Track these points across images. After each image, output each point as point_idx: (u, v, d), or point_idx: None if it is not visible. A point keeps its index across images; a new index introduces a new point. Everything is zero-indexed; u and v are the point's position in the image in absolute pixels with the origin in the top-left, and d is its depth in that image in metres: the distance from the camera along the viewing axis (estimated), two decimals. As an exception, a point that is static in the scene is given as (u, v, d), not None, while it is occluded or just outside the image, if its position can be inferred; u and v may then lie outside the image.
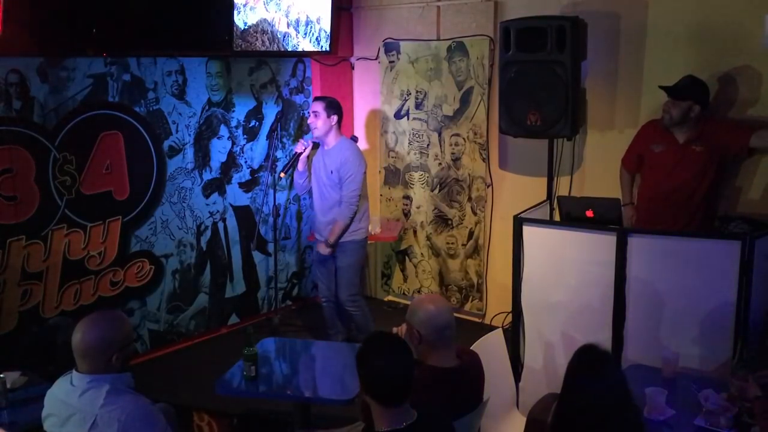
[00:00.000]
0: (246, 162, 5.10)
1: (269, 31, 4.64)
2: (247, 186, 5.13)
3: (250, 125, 5.10)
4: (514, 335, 3.66)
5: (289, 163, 4.48)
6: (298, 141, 4.47)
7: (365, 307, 4.52)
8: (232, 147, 5.00)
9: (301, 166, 4.41)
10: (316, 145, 4.43)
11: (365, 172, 4.33)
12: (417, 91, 5.25)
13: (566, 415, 2.06)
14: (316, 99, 4.42)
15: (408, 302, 5.44)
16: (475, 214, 5.10)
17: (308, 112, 5.46)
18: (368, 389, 2.10)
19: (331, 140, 4.31)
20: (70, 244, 4.22)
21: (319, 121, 4.24)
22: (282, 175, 4.53)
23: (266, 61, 5.13)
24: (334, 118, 4.26)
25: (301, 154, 4.38)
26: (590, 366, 2.06)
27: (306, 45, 4.95)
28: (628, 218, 3.99)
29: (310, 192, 4.57)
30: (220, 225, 5.02)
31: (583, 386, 2.03)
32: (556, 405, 2.12)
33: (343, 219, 4.27)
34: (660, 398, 2.59)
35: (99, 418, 2.18)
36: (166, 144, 4.63)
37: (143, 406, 2.25)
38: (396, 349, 2.15)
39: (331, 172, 4.26)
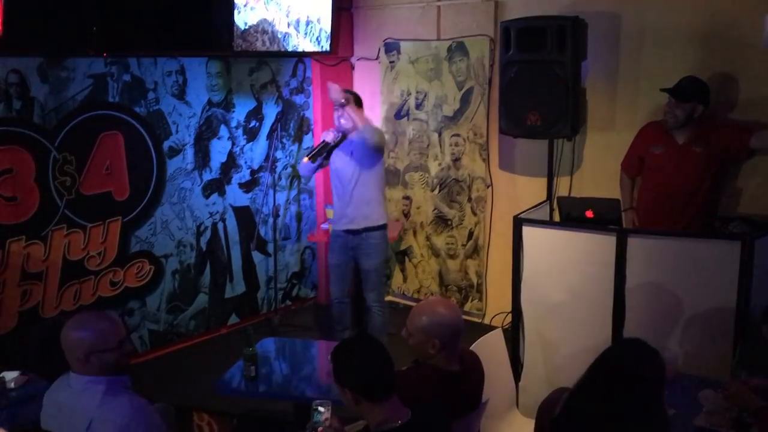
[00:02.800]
0: (246, 162, 5.10)
1: (269, 31, 4.64)
2: (247, 186, 5.13)
3: (250, 125, 5.10)
4: (514, 335, 3.66)
5: (317, 150, 4.17)
6: (329, 130, 4.19)
7: (387, 312, 4.47)
8: (232, 147, 5.00)
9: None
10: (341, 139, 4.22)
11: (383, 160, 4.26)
12: (417, 92, 5.25)
13: (586, 399, 2.06)
14: (345, 90, 4.18)
15: (408, 302, 5.48)
16: (475, 214, 5.10)
17: (307, 113, 5.50)
18: (352, 383, 2.09)
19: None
20: (69, 245, 4.22)
21: (350, 108, 4.05)
22: (305, 159, 4.17)
23: (266, 61, 5.13)
24: (362, 110, 4.17)
25: (328, 144, 4.15)
26: (635, 354, 2.08)
27: (306, 45, 4.95)
28: (630, 222, 3.99)
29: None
30: (220, 225, 5.02)
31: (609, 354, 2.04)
32: (576, 386, 2.11)
33: (369, 134, 4.00)
34: (660, 398, 2.58)
35: (95, 420, 2.16)
36: (166, 144, 4.62)
37: (140, 407, 2.23)
38: (369, 341, 2.19)
39: (351, 153, 4.09)
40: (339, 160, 4.22)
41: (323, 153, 4.20)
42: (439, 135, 5.19)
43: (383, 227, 4.24)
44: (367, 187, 4.15)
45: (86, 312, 2.39)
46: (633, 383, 2.02)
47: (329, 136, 4.17)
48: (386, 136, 4.19)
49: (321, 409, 2.25)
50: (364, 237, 4.19)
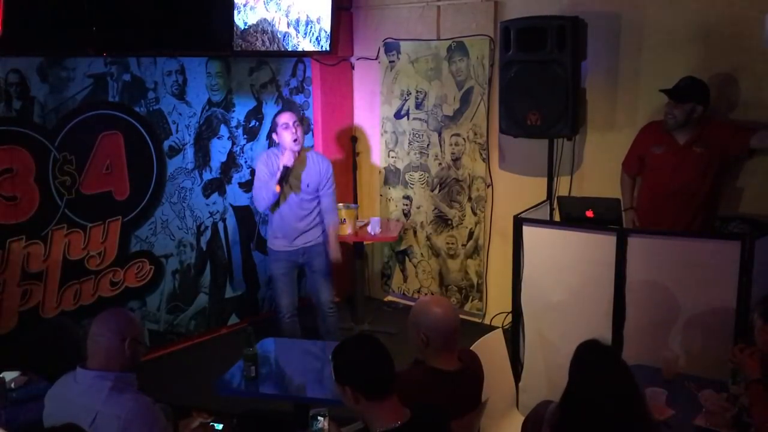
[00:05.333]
0: (246, 162, 5.09)
1: (269, 31, 4.64)
2: (247, 186, 5.13)
3: (250, 125, 5.10)
4: (514, 335, 3.66)
5: (282, 175, 4.09)
6: (286, 154, 4.07)
7: (337, 311, 4.51)
8: (232, 147, 5.00)
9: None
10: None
11: None
12: (417, 91, 5.25)
13: (571, 412, 2.07)
14: (286, 111, 4.31)
15: (408, 302, 5.48)
16: (475, 214, 5.10)
17: (308, 113, 5.50)
18: (353, 382, 2.09)
19: (301, 152, 4.17)
20: (70, 244, 4.22)
21: (300, 132, 4.08)
22: (277, 189, 4.12)
23: (266, 61, 5.13)
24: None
25: (289, 168, 4.09)
26: (594, 362, 2.08)
27: (306, 45, 4.95)
28: (630, 222, 3.99)
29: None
30: (220, 225, 5.02)
31: (588, 382, 2.04)
32: (560, 401, 2.12)
33: (336, 227, 4.35)
34: (660, 398, 2.59)
35: (100, 415, 2.17)
36: (166, 144, 4.63)
37: (145, 405, 2.24)
38: (370, 340, 2.18)
39: (308, 185, 4.17)
40: (297, 196, 4.19)
41: (286, 177, 4.14)
42: (439, 135, 5.19)
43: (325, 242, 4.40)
44: (318, 215, 4.32)
45: (118, 308, 2.47)
46: (604, 407, 2.01)
47: (289, 161, 4.06)
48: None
49: (320, 418, 2.26)
50: (313, 245, 4.31)
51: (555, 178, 4.52)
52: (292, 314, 4.34)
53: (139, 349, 2.35)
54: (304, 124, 4.25)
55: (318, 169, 4.23)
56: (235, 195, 5.07)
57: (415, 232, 5.46)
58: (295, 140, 4.06)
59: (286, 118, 4.12)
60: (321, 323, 4.46)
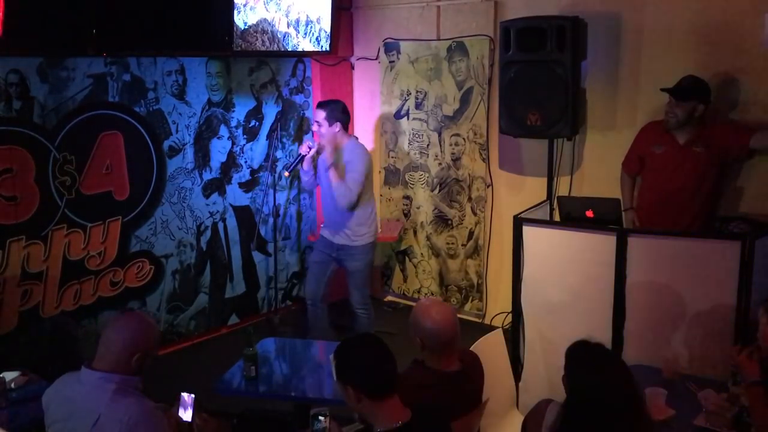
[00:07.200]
0: (246, 162, 5.10)
1: (269, 31, 4.64)
2: (247, 186, 5.13)
3: (250, 125, 5.10)
4: (514, 335, 3.66)
5: (294, 163, 4.34)
6: (303, 142, 4.25)
7: (372, 312, 4.48)
8: (232, 147, 5.00)
9: (306, 165, 4.25)
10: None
11: (371, 173, 4.25)
12: (417, 91, 5.25)
13: (573, 416, 2.07)
14: (319, 106, 4.23)
15: (408, 302, 5.48)
16: (475, 214, 5.10)
17: (307, 113, 5.50)
18: (355, 381, 2.08)
19: (341, 143, 4.19)
20: (70, 244, 4.21)
21: (323, 129, 4.15)
22: (286, 174, 4.32)
23: (266, 61, 5.13)
24: (337, 125, 4.12)
25: (305, 156, 4.23)
26: (589, 362, 2.08)
27: (306, 45, 4.95)
28: (630, 222, 3.99)
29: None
30: (220, 225, 5.02)
31: (583, 380, 2.04)
32: (561, 408, 2.12)
33: (339, 194, 4.12)
34: (660, 398, 2.59)
35: (102, 417, 2.17)
36: (166, 144, 4.62)
37: (148, 410, 2.23)
38: (372, 340, 2.19)
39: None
40: (325, 179, 4.23)
41: (300, 164, 4.27)
42: (439, 135, 5.19)
43: (368, 245, 4.30)
44: (354, 215, 4.20)
45: (135, 312, 2.43)
46: (606, 405, 2.02)
47: (304, 149, 4.23)
48: (356, 194, 4.14)
49: (321, 417, 2.26)
50: (347, 246, 4.27)
51: (555, 178, 4.52)
52: (315, 302, 4.40)
53: (147, 361, 2.33)
54: (298, 121, 4.21)
55: (347, 155, 4.17)
56: (235, 195, 5.07)
57: (415, 232, 5.46)
58: (318, 133, 4.23)
59: (314, 116, 4.26)
60: (355, 323, 4.49)
